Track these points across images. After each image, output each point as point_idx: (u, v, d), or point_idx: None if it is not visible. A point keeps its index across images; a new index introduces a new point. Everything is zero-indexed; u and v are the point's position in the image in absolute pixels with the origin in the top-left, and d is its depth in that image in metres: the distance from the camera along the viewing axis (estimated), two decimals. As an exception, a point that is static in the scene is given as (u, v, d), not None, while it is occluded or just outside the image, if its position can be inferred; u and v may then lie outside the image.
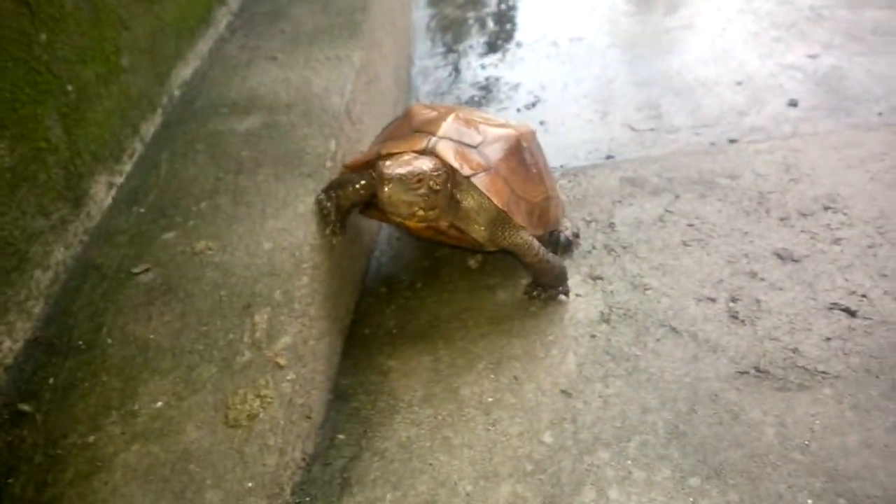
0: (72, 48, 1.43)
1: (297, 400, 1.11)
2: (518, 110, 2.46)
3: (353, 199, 1.36)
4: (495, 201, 1.30)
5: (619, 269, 1.51)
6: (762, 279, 1.42)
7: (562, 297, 1.43)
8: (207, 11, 2.03)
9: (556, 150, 2.22)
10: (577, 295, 1.43)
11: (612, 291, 1.44)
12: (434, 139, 1.33)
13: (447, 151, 1.31)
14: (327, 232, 1.36)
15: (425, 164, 1.25)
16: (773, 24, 2.79)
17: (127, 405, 1.06)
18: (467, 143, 1.36)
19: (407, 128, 1.43)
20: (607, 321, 1.35)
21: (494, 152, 1.37)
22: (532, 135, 1.52)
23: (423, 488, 1.02)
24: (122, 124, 1.56)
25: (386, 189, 1.20)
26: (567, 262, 1.55)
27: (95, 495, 0.95)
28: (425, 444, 1.10)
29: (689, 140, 2.17)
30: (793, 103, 2.29)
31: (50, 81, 1.36)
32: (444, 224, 1.36)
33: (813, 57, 2.54)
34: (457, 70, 2.75)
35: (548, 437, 1.10)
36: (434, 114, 1.44)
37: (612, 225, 1.67)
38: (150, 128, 1.66)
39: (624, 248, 1.58)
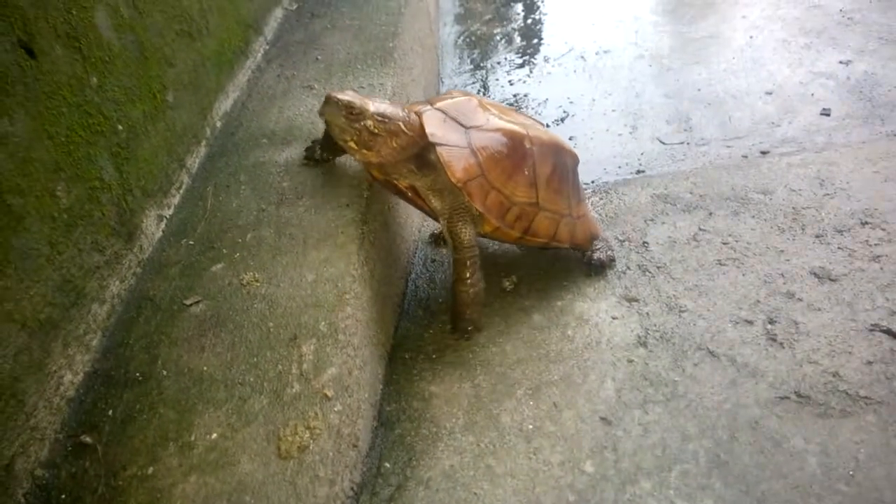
0: (121, 88, 1.47)
1: (345, 430, 1.13)
2: (547, 126, 2.46)
3: (332, 141, 1.43)
4: (450, 173, 1.30)
5: (654, 291, 1.50)
6: (799, 299, 1.40)
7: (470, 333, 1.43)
8: (245, 42, 2.08)
9: (587, 166, 2.22)
10: (614, 318, 1.44)
11: (647, 313, 1.44)
12: (428, 107, 1.38)
13: (430, 118, 1.34)
14: (307, 162, 1.56)
15: (376, 105, 1.29)
16: (802, 30, 2.75)
17: (183, 437, 1.09)
18: (461, 121, 1.37)
19: (426, 101, 1.46)
20: (644, 345, 1.35)
21: (483, 138, 1.36)
22: (549, 144, 1.46)
23: (468, 519, 1.04)
24: (169, 159, 1.61)
25: (324, 107, 1.28)
26: (602, 283, 1.55)
27: (156, 528, 0.98)
28: (469, 473, 1.11)
29: (719, 153, 2.15)
30: (825, 112, 2.25)
31: (101, 122, 1.40)
32: (403, 183, 1.39)
33: (845, 63, 2.49)
34: (485, 87, 2.76)
35: (589, 467, 1.10)
36: (461, 98, 1.45)
37: (645, 244, 1.66)
38: (195, 160, 1.71)
39: (658, 268, 1.57)
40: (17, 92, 1.18)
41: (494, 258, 1.70)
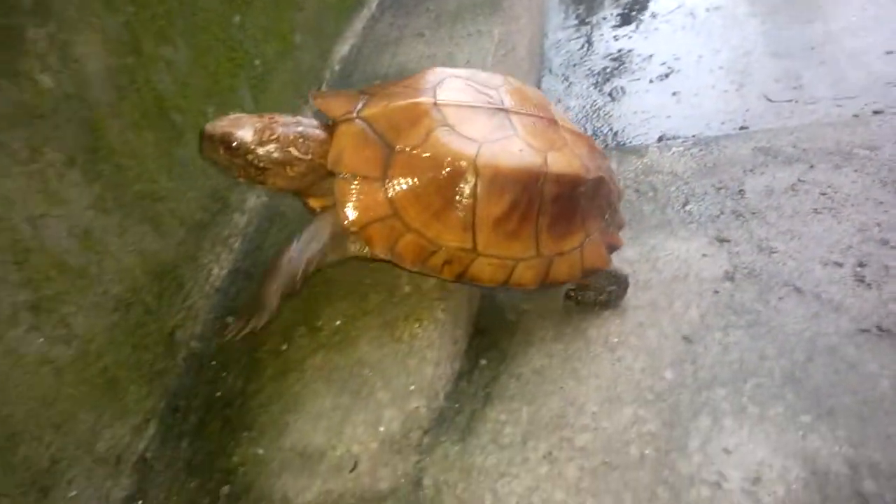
0: (258, 28, 1.72)
1: (448, 326, 1.33)
2: (651, 81, 2.56)
3: None
4: (341, 216, 1.15)
5: (746, 233, 1.61)
6: (893, 247, 1.47)
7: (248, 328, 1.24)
8: (362, -8, 2.29)
9: (689, 120, 2.31)
10: (704, 255, 1.56)
11: (738, 253, 1.55)
12: (354, 116, 1.18)
13: (343, 137, 1.16)
14: None
15: (260, 132, 1.14)
16: (935, -13, 2.68)
17: (312, 322, 1.32)
18: (389, 139, 1.15)
19: (383, 90, 1.29)
20: (731, 279, 1.47)
21: (409, 164, 1.14)
22: (516, 174, 1.16)
23: (554, 406, 1.21)
24: (295, 95, 1.85)
25: (201, 144, 1.16)
26: (695, 226, 1.67)
27: (290, 389, 1.22)
28: (556, 372, 1.29)
29: (829, 111, 2.18)
30: (950, 73, 2.23)
31: (242, 57, 1.65)
32: (315, 203, 1.23)
33: (978, 23, 2.43)
34: (589, 42, 2.86)
35: (668, 374, 1.25)
36: (426, 85, 1.24)
37: (741, 192, 1.76)
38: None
39: (753, 213, 1.67)
40: (178, 24, 1.43)
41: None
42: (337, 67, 2.08)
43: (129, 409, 1.18)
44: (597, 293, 1.43)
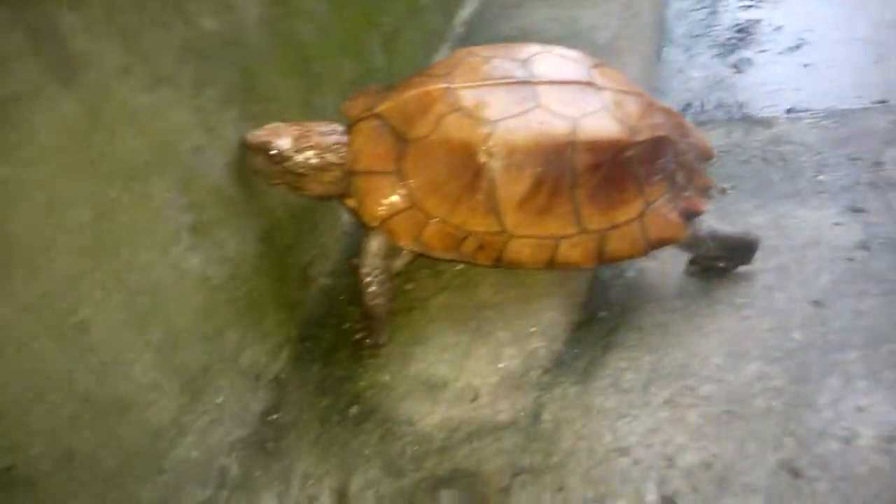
0: (388, -12, 1.79)
1: (566, 277, 1.36)
2: (780, 52, 2.46)
3: None
4: (364, 213, 1.19)
5: (882, 204, 1.54)
6: None
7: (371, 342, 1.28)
8: (486, -43, 2.33)
9: (821, 93, 2.21)
10: (836, 223, 1.50)
11: (873, 223, 1.49)
12: (369, 114, 1.20)
13: (358, 135, 1.20)
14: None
15: (298, 140, 1.17)
16: None
17: (435, 266, 1.39)
18: (402, 131, 1.16)
19: (406, 81, 1.27)
20: (866, 248, 1.42)
21: (422, 154, 1.15)
22: (536, 148, 1.13)
23: (677, 356, 1.22)
24: (421, 54, 1.91)
25: (246, 154, 1.19)
26: (826, 195, 1.61)
27: (416, 324, 1.29)
28: (679, 327, 1.29)
29: (985, 85, 2.04)
30: None
31: (374, 13, 1.73)
32: (351, 203, 1.24)
33: None
34: (714, 12, 2.78)
35: (797, 335, 1.23)
36: (445, 70, 1.23)
37: (878, 164, 1.68)
38: (440, 59, 2.00)
39: (891, 185, 1.60)
40: (318, -25, 1.51)
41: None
42: (460, 30, 2.13)
43: (268, 333, 1.28)
44: (721, 260, 1.38)
